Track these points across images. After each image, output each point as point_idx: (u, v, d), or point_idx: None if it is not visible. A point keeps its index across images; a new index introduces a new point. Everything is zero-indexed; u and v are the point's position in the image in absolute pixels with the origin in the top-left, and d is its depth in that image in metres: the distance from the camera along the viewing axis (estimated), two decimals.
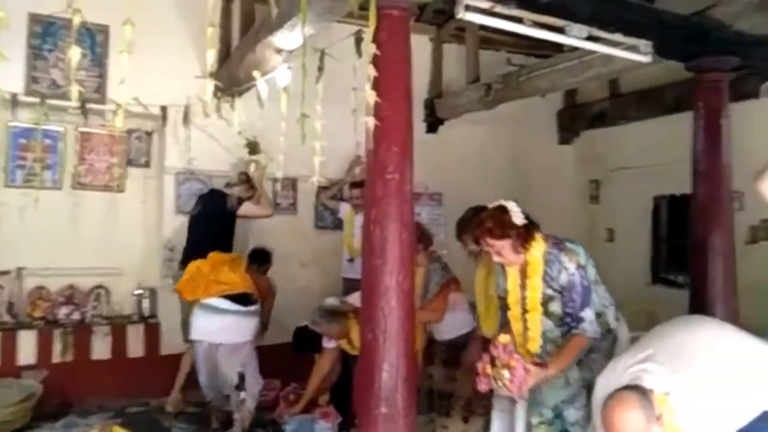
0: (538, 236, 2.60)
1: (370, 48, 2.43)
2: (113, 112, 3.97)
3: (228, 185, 4.64)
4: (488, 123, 5.71)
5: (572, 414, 2.58)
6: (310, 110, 2.75)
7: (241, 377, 3.29)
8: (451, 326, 3.78)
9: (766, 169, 2.22)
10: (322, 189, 5.14)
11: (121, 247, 4.92)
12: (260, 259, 4.45)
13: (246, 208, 4.45)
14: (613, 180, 6.31)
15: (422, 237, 3.75)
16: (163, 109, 4.80)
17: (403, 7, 2.53)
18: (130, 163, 5.07)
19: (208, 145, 4.77)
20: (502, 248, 2.57)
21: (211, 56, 2.29)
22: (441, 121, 5.86)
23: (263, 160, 4.50)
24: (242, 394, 3.37)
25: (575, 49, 3.68)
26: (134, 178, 5.08)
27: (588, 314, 2.52)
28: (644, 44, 3.28)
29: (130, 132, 5.03)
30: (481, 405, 3.50)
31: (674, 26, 3.25)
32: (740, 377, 2.18)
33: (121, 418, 4.16)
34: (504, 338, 2.56)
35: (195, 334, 3.90)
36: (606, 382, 2.25)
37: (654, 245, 5.95)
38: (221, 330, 3.83)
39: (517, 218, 2.56)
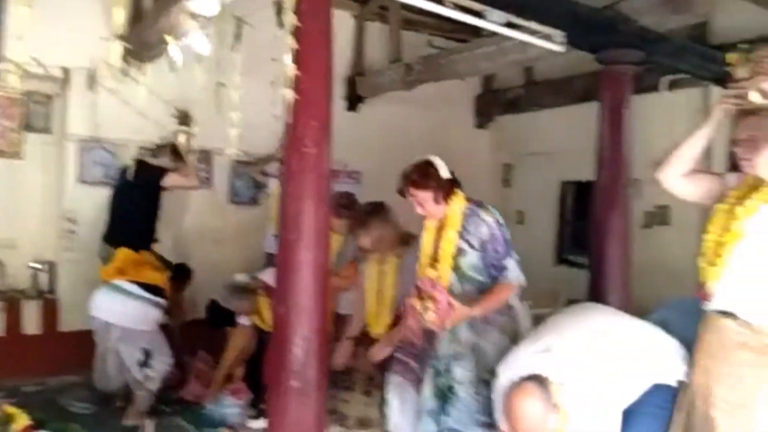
0: (460, 193, 2.70)
1: (291, 19, 2.39)
2: (9, 72, 3.68)
3: (153, 155, 4.36)
4: (408, 104, 5.75)
5: (458, 372, 2.66)
6: (227, 80, 2.67)
7: (147, 353, 3.17)
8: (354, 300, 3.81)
9: (664, 158, 2.37)
10: (249, 164, 5.03)
11: (16, 217, 4.61)
12: (181, 274, 4.33)
13: (171, 179, 4.20)
14: (525, 164, 6.56)
15: (352, 205, 3.77)
16: (66, 71, 4.49)
17: None
18: (28, 128, 4.71)
19: (115, 112, 4.50)
20: (425, 199, 2.66)
21: (120, 16, 2.17)
22: (361, 100, 5.86)
23: (192, 131, 4.32)
24: (149, 372, 3.26)
25: (494, 34, 3.77)
26: (33, 144, 4.72)
27: (511, 263, 2.63)
28: (558, 34, 3.42)
29: (28, 95, 4.67)
30: (383, 381, 3.56)
31: (586, 18, 3.40)
32: (632, 362, 2.36)
33: (15, 398, 3.91)
34: (431, 272, 2.64)
35: (92, 310, 3.75)
36: (507, 371, 2.37)
37: (559, 228, 6.26)
38: (121, 312, 3.70)
39: (442, 172, 2.67)
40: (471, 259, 2.64)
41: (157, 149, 4.36)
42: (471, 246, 2.64)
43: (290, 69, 2.33)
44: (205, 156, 5.03)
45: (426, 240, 2.78)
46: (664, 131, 4.80)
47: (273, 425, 2.54)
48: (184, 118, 4.35)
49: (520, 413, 2.16)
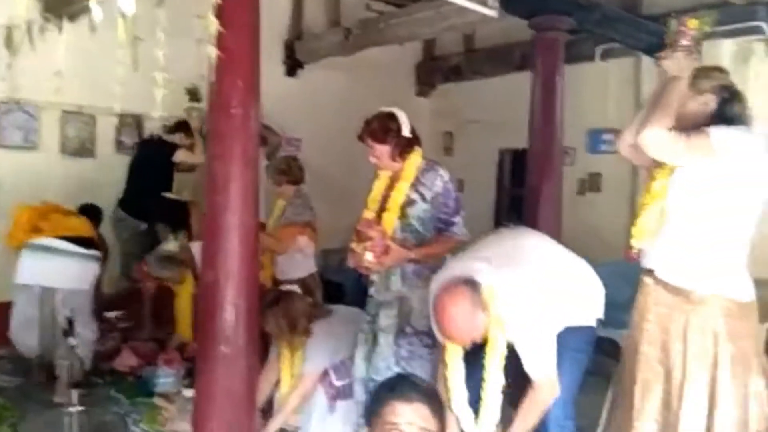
0: (419, 150, 2.69)
1: None
2: None
3: (168, 132, 4.53)
4: (348, 71, 5.69)
5: (383, 318, 2.68)
6: (151, 39, 2.54)
7: (70, 322, 3.05)
8: (290, 266, 3.79)
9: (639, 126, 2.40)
10: None
11: None
12: (91, 214, 4.15)
13: (181, 155, 4.45)
14: (465, 133, 6.61)
15: (288, 170, 3.76)
16: None
17: None
18: None
19: (35, 72, 4.24)
20: (381, 153, 2.64)
21: None
22: (300, 65, 5.75)
23: (202, 108, 4.23)
24: (71, 340, 3.14)
25: None
26: None
27: (458, 220, 2.65)
28: None
29: None
30: None
31: None
32: (564, 285, 2.41)
33: None
34: (368, 214, 2.66)
35: (22, 278, 3.50)
36: (440, 277, 2.36)
37: (497, 195, 6.37)
38: (59, 272, 3.48)
39: (404, 128, 2.63)
40: (418, 210, 2.63)
41: (173, 127, 4.52)
42: (422, 198, 2.63)
43: (212, 25, 2.22)
44: (135, 120, 4.84)
45: (376, 187, 2.76)
46: (596, 100, 4.92)
47: (202, 393, 2.47)
48: (194, 95, 4.38)
49: (448, 312, 2.14)
